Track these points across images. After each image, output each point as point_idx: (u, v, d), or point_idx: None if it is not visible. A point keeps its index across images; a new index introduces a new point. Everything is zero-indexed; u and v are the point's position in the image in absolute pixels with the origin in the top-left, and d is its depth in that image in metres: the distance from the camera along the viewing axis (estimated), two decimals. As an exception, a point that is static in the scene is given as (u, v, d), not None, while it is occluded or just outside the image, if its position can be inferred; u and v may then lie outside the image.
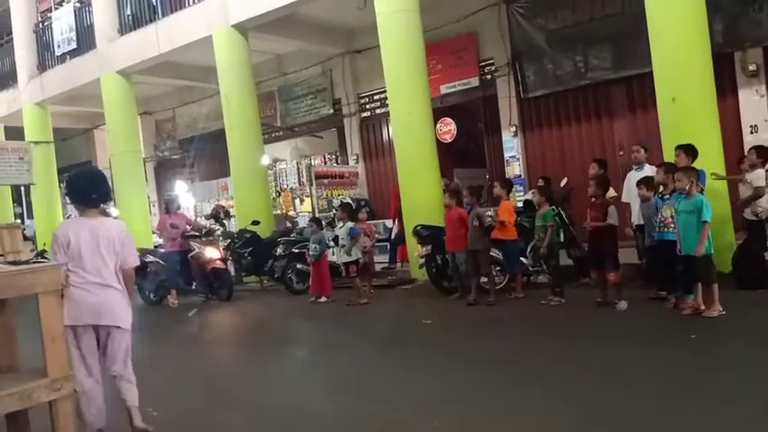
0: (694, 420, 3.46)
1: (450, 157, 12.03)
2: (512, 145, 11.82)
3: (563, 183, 10.36)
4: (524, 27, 11.36)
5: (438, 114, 11.16)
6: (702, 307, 5.83)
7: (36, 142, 15.99)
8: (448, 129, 12.46)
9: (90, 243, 3.76)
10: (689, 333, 5.34)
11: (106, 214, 4.07)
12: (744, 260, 6.82)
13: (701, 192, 6.21)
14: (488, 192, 11.13)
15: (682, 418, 3.49)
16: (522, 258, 8.05)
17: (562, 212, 7.84)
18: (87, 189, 3.91)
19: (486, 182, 12.13)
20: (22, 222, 18.33)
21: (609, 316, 6.33)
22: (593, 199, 6.98)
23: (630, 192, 7.29)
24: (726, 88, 9.05)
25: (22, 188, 14.89)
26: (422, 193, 9.62)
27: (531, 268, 8.13)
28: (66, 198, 4.47)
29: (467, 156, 13.06)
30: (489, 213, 8.41)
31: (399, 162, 10.11)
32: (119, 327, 3.83)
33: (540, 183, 9.18)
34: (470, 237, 7.77)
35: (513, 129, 11.74)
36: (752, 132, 9.15)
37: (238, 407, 4.61)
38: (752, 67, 9.18)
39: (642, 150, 7.57)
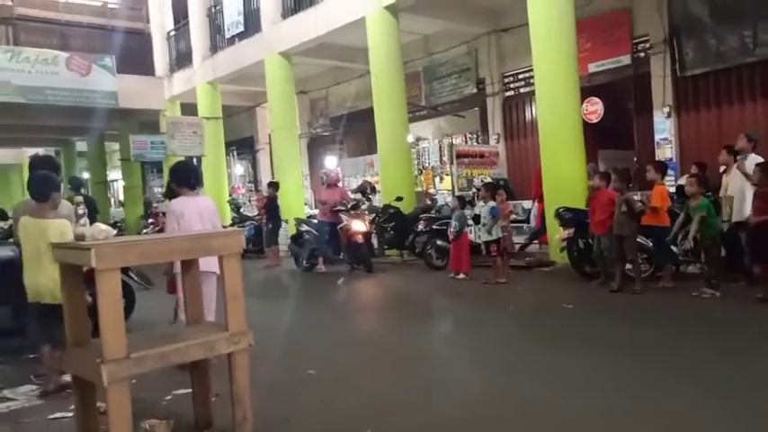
0: None
1: (595, 138, 11.41)
2: (664, 127, 10.98)
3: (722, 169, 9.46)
4: None
5: (585, 93, 10.62)
6: None
7: (207, 118, 17.34)
8: (594, 109, 11.81)
9: (195, 213, 4.96)
10: None
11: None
12: None
13: None
14: (635, 175, 10.50)
15: None
16: (672, 247, 7.50)
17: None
18: (188, 176, 5.22)
19: (632, 165, 11.42)
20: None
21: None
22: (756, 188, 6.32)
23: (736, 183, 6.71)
24: None
25: (195, 159, 16.19)
26: (565, 175, 9.26)
27: (681, 257, 7.56)
28: (172, 182, 5.32)
29: (613, 137, 12.33)
30: (639, 198, 7.94)
31: (543, 142, 9.79)
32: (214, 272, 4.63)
33: (694, 169, 8.48)
34: (616, 222, 7.38)
35: (667, 109, 10.89)
36: None
37: (386, 372, 4.78)
38: None
39: (745, 139, 7.07)
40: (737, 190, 6.91)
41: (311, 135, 19.32)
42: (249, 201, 17.69)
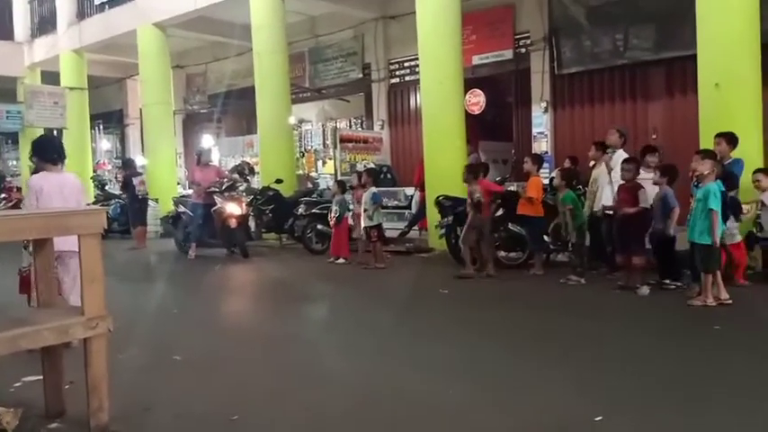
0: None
1: (476, 128, 11.87)
2: (541, 121, 11.64)
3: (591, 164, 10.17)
4: (565, 1, 11.09)
5: (468, 85, 11.00)
6: (721, 295, 5.73)
7: (71, 88, 16.09)
8: (477, 100, 12.25)
9: (56, 189, 4.77)
10: (703, 321, 5.27)
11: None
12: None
13: (729, 181, 6.18)
14: (514, 166, 11.03)
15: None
16: (544, 236, 7.97)
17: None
18: (51, 150, 5.02)
19: (511, 156, 12.00)
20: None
21: (628, 299, 6.26)
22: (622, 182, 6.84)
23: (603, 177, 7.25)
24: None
25: (55, 132, 15.03)
26: (447, 164, 9.53)
27: (551, 246, 8.04)
28: (34, 157, 5.12)
29: (494, 129, 12.90)
30: (516, 188, 8.39)
31: (426, 131, 10.02)
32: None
33: (567, 163, 9.06)
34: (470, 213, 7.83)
35: (544, 105, 11.54)
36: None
37: (256, 358, 4.66)
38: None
39: (617, 134, 7.56)
40: (603, 183, 7.43)
41: (187, 112, 18.52)
42: (116, 178, 16.66)
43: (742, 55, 7.24)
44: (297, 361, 4.52)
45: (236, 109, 16.51)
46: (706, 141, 7.02)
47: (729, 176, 6.35)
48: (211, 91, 17.45)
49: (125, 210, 12.77)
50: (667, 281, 6.52)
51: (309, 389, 3.91)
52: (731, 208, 6.16)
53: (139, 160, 14.61)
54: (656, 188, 6.50)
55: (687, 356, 4.36)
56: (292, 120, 13.10)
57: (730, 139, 6.56)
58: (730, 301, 5.68)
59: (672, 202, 6.31)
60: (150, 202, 12.39)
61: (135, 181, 11.93)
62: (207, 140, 16.18)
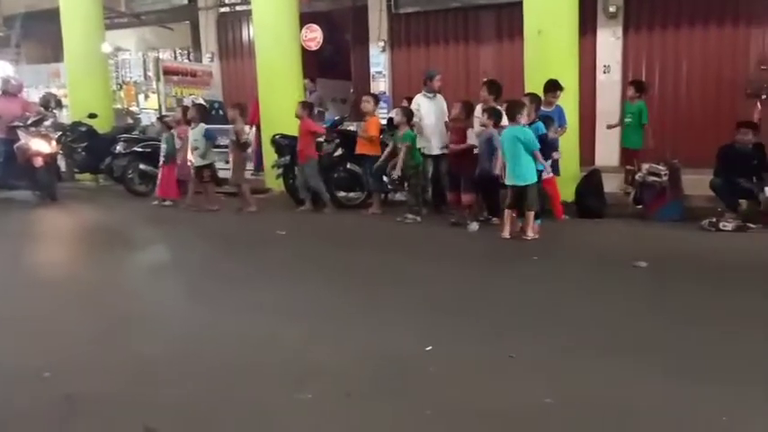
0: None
1: (314, 65, 11.71)
2: (379, 60, 11.75)
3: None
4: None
5: (304, 20, 10.74)
6: (530, 233, 6.21)
7: None
8: (314, 36, 12.01)
9: None
10: (522, 252, 5.78)
11: None
12: (586, 192, 7.44)
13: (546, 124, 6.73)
14: (353, 105, 11.07)
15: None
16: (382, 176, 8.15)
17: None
18: None
19: (350, 95, 12.03)
20: None
21: (459, 235, 6.65)
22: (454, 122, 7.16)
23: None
24: (587, 27, 9.52)
25: None
26: (283, 101, 9.29)
27: (389, 186, 8.27)
28: None
29: (332, 67, 12.80)
30: (355, 128, 8.45)
31: (260, 66, 9.72)
32: None
33: (405, 103, 9.25)
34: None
35: (382, 44, 11.64)
36: (605, 72, 9.82)
37: (73, 312, 4.31)
38: (612, 9, 9.74)
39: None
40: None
41: (-25, 33, 16.17)
42: None
43: (562, 3, 7.76)
44: (122, 311, 4.24)
45: (39, 33, 14.75)
46: (532, 85, 7.51)
47: (546, 119, 6.90)
48: (7, 12, 15.43)
49: None
50: (493, 217, 7.01)
51: (136, 339, 3.71)
52: (548, 148, 6.69)
53: None
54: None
55: (507, 288, 4.73)
56: (107, 47, 11.98)
57: (554, 86, 7.12)
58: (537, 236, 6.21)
59: (496, 144, 6.71)
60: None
61: None
62: (4, 69, 14.29)
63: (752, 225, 6.44)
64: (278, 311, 4.19)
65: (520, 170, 6.20)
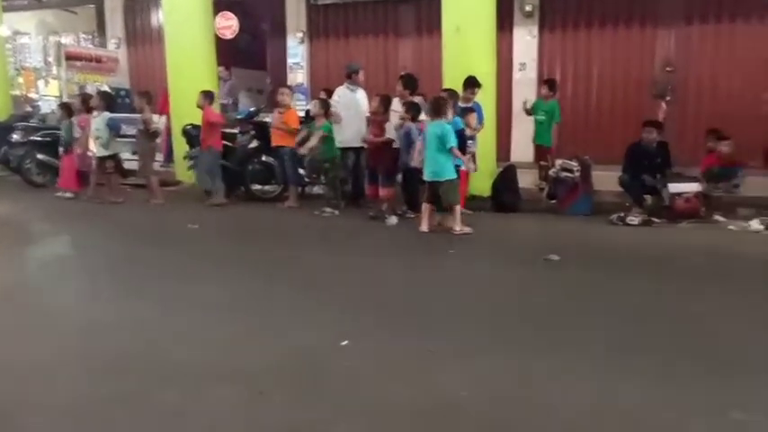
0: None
1: (228, 55, 11.36)
2: (297, 51, 11.55)
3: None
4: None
5: (218, 7, 10.41)
6: (457, 228, 6.26)
7: None
8: (229, 24, 11.66)
9: None
10: (438, 246, 5.81)
11: None
12: (501, 187, 7.57)
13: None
14: (269, 96, 10.86)
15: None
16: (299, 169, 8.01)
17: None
18: None
19: (267, 86, 11.79)
20: None
21: (377, 229, 6.62)
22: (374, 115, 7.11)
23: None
24: (504, 25, 9.70)
25: None
26: (194, 90, 8.88)
27: (306, 179, 8.13)
28: None
29: (248, 56, 12.47)
30: (267, 120, 8.25)
31: (170, 53, 9.42)
32: None
33: (323, 95, 9.14)
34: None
35: (300, 35, 11.45)
36: (521, 70, 10.05)
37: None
38: (528, 8, 9.97)
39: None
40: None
41: None
42: None
43: (480, 1, 7.86)
44: (22, 314, 3.94)
45: None
46: (450, 81, 7.57)
47: (468, 111, 7.01)
48: None
49: None
50: (410, 211, 7.01)
51: (36, 341, 3.44)
52: (464, 142, 6.76)
53: None
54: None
55: (425, 282, 4.73)
56: (4, 31, 11.24)
57: (470, 84, 7.22)
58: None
59: (414, 137, 6.71)
60: None
61: None
62: None
63: (656, 219, 6.75)
64: (190, 309, 4.01)
65: (437, 166, 6.22)
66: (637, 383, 2.90)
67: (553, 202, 7.54)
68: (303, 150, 7.28)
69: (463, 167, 6.68)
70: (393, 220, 6.77)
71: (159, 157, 9.57)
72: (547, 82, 8.53)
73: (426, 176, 6.29)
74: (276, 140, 7.77)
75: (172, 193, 8.73)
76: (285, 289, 4.49)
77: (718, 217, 6.76)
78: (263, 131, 8.12)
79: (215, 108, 8.12)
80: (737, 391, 2.82)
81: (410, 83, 7.16)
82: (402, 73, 8.03)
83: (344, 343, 3.38)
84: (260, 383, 2.91)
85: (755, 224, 6.36)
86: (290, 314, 3.93)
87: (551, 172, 7.57)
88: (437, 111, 6.29)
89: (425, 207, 6.33)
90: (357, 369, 3.10)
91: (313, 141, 7.21)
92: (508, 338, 3.51)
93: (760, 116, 8.01)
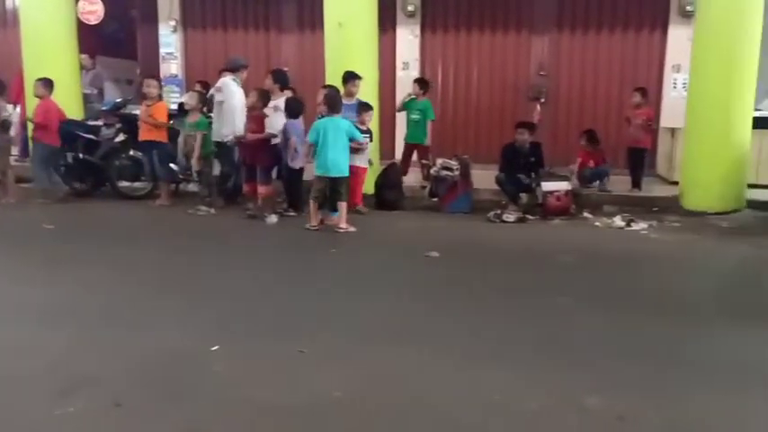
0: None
1: (93, 42, 10.64)
2: (170, 41, 11.02)
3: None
4: None
5: (82, -11, 9.73)
6: (343, 225, 6.26)
7: None
8: (93, 9, 10.88)
9: None
10: (320, 244, 5.73)
11: None
12: (384, 185, 7.60)
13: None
14: (138, 87, 10.29)
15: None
16: (171, 165, 7.63)
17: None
18: None
19: (136, 76, 11.16)
20: None
21: (256, 228, 6.43)
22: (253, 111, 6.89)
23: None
24: (387, 25, 9.76)
25: None
26: (54, 79, 8.31)
27: (180, 176, 7.76)
28: None
29: (116, 45, 11.74)
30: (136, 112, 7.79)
31: (25, 38, 8.80)
32: None
33: (198, 87, 8.77)
34: None
35: (173, 24, 10.94)
36: (404, 69, 10.16)
37: None
38: (410, 8, 10.09)
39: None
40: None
41: None
42: None
43: (361, -1, 7.88)
44: None
45: None
46: (333, 77, 7.50)
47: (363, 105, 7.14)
48: None
49: None
50: (291, 210, 6.88)
51: None
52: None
53: None
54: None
55: (301, 282, 4.63)
56: None
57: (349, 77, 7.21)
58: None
59: (288, 135, 6.63)
60: None
61: None
62: None
63: (530, 216, 7.05)
64: (42, 315, 3.73)
65: (335, 162, 6.18)
66: (502, 373, 2.99)
67: (435, 200, 7.67)
68: (196, 166, 6.98)
69: (361, 164, 6.77)
70: (273, 218, 6.60)
71: (15, 150, 8.83)
72: (418, 81, 8.62)
73: (320, 171, 6.24)
74: (143, 135, 7.38)
75: (28, 191, 8.01)
76: (149, 292, 4.26)
77: (586, 214, 7.16)
78: (130, 125, 7.67)
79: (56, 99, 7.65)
80: (594, 377, 2.97)
81: (280, 78, 7.07)
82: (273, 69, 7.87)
83: (215, 348, 3.23)
84: (117, 394, 2.70)
85: (618, 221, 6.79)
86: (155, 319, 3.72)
87: (432, 171, 7.70)
88: (333, 106, 6.29)
89: (313, 204, 6.26)
90: (228, 373, 2.99)
91: (197, 151, 6.93)
92: (384, 335, 3.50)
93: (623, 119, 8.57)
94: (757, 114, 7.67)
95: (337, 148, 6.21)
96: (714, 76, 7.08)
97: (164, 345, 3.29)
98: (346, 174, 6.27)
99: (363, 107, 7.14)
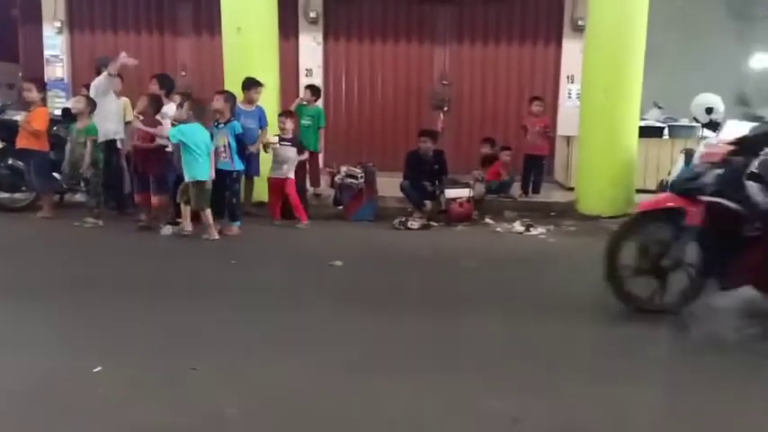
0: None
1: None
2: (55, 43, 10.45)
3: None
4: None
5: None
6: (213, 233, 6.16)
7: None
8: (-31, 8, 10.24)
9: None
10: (218, 255, 5.57)
11: None
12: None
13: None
14: (19, 93, 9.71)
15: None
16: (54, 174, 7.19)
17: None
18: None
19: (18, 80, 10.52)
20: None
21: (150, 240, 6.18)
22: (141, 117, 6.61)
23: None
24: (289, 31, 9.68)
25: None
26: None
27: (65, 186, 7.33)
28: None
29: (-6, 46, 11.03)
30: (17, 118, 7.29)
31: None
32: None
33: (84, 91, 8.35)
34: None
35: (58, 24, 10.38)
36: (307, 75, 10.09)
37: None
38: (312, 15, 10.06)
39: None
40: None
41: None
42: None
43: (260, 3, 7.74)
44: None
45: None
46: (231, 83, 7.33)
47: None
48: None
49: None
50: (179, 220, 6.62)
51: None
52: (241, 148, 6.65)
53: None
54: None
55: (193, 297, 4.47)
56: None
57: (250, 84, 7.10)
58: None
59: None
60: None
61: None
62: None
63: (434, 223, 7.16)
64: None
65: (197, 168, 6.11)
66: (399, 384, 2.97)
67: (340, 208, 7.63)
68: (86, 173, 6.65)
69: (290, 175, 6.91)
70: (168, 230, 6.35)
71: None
72: (309, 87, 8.52)
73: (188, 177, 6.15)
74: (21, 142, 6.96)
75: None
76: (24, 310, 3.98)
77: (488, 220, 7.35)
78: (9, 131, 7.18)
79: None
80: (493, 380, 3.03)
81: (165, 82, 6.89)
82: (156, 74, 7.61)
83: (98, 369, 3.04)
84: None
85: (518, 226, 7.02)
86: (30, 340, 3.48)
87: (336, 178, 7.66)
88: (199, 115, 6.23)
89: (185, 209, 6.19)
90: (112, 395, 2.81)
91: (88, 159, 6.60)
92: (278, 351, 3.40)
93: (519, 128, 8.88)
94: (643, 124, 8.20)
95: (197, 154, 6.12)
96: (603, 86, 7.48)
97: (42, 367, 3.06)
98: (199, 178, 6.10)
99: (285, 114, 7.20)
